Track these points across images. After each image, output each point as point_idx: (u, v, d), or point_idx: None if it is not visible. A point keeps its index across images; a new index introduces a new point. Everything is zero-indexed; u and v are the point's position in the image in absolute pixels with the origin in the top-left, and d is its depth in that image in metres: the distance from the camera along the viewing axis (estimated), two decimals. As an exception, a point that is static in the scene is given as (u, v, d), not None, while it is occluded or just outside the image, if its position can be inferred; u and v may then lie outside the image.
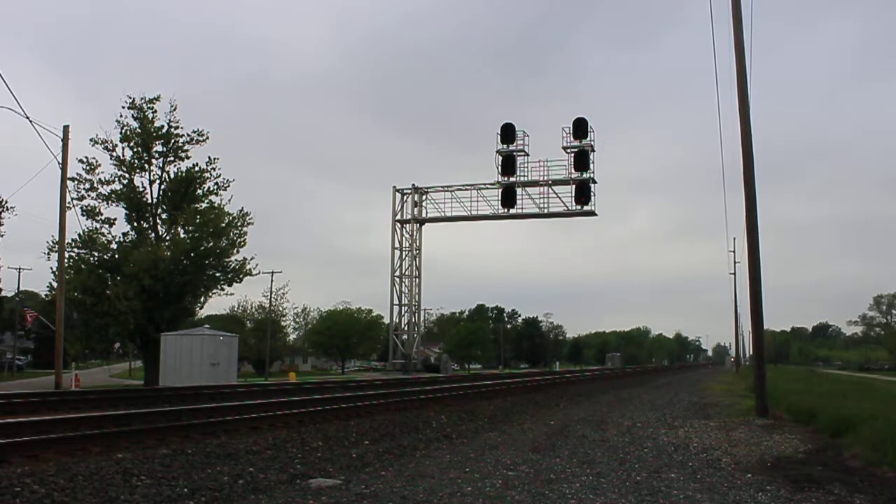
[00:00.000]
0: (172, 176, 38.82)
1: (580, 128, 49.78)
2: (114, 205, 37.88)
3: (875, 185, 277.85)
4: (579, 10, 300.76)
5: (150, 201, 38.67)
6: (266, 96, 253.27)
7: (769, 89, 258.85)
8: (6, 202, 38.03)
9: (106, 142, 37.54)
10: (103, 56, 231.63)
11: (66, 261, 32.39)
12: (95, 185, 37.32)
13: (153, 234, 38.80)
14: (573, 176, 50.42)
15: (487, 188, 53.55)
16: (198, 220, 37.92)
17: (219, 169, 39.32)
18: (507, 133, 51.39)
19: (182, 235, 38.46)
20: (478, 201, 54.22)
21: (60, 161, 29.28)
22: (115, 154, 37.77)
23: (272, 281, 71.67)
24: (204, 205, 38.98)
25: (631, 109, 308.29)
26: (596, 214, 51.66)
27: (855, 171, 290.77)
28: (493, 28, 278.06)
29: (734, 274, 76.14)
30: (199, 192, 39.09)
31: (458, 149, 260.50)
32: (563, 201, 51.45)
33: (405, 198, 57.22)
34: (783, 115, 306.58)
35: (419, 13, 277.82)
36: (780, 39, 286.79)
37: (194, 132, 39.01)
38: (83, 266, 36.64)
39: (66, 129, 29.62)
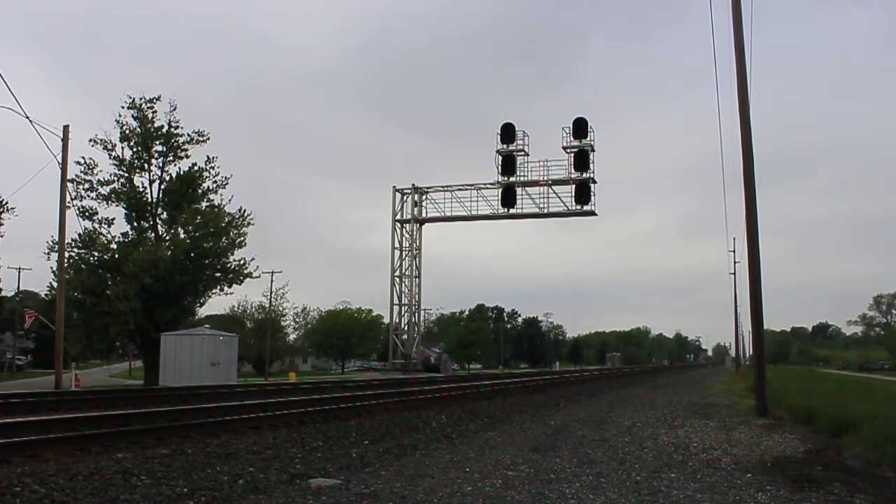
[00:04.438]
0: (172, 176, 38.86)
1: (580, 128, 49.71)
2: (114, 205, 37.94)
3: (880, 184, 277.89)
4: (582, 10, 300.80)
5: (149, 201, 38.68)
6: (267, 95, 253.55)
7: (774, 87, 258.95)
8: (6, 202, 38.06)
9: (105, 141, 37.60)
10: (104, 54, 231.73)
11: (66, 261, 32.38)
12: (94, 185, 37.37)
13: (153, 234, 38.80)
14: (573, 176, 50.35)
15: (487, 188, 53.50)
16: (198, 220, 37.91)
17: (217, 168, 39.39)
18: (507, 133, 51.32)
19: (182, 235, 38.46)
20: (478, 201, 54.17)
21: (60, 161, 29.29)
22: (114, 154, 37.85)
23: (272, 281, 71.73)
24: (204, 204, 38.99)
25: (632, 108, 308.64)
26: (596, 214, 51.63)
27: (858, 170, 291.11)
28: (495, 28, 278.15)
29: (734, 274, 76.28)
30: (199, 191, 39.11)
31: (459, 148, 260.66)
32: (563, 201, 51.40)
33: (405, 198, 57.18)
34: (787, 114, 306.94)
35: (421, 13, 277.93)
36: (790, 35, 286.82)
37: (194, 132, 39.07)
38: (83, 266, 36.63)
39: (66, 128, 29.63)
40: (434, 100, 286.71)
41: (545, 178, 51.70)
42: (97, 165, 37.44)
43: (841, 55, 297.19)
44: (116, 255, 37.05)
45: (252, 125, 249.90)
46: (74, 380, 32.54)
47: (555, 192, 51.59)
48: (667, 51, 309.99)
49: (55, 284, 33.08)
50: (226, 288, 40.10)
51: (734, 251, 74.15)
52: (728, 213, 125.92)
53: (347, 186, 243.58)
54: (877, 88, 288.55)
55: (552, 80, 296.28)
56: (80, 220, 36.74)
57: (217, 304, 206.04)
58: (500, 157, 51.68)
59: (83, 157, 37.23)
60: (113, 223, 37.95)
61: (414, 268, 57.17)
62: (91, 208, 37.23)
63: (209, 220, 38.05)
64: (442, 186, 56.30)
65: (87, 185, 37.20)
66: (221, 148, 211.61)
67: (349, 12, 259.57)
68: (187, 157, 39.00)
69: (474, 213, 54.61)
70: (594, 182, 50.51)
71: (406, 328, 57.88)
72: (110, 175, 37.72)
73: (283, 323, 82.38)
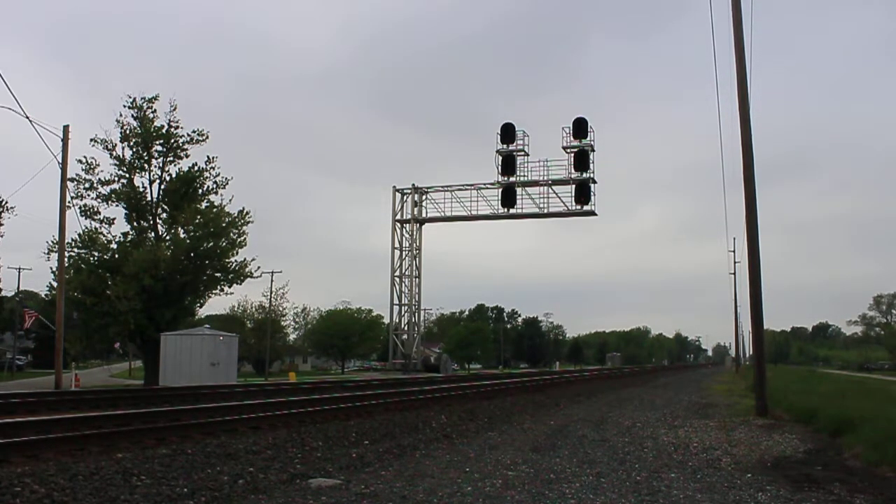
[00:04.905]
0: (172, 176, 38.87)
1: (580, 128, 49.76)
2: (114, 204, 37.95)
3: (880, 184, 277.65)
4: (583, 9, 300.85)
5: (150, 201, 38.70)
6: (267, 95, 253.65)
7: (774, 87, 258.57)
8: (6, 202, 38.00)
9: (106, 141, 37.62)
10: (104, 53, 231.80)
11: (66, 261, 32.38)
12: (95, 184, 37.39)
13: (153, 234, 38.81)
14: (573, 176, 50.41)
15: (487, 188, 53.56)
16: (198, 220, 37.92)
17: (218, 168, 39.41)
18: (507, 133, 51.38)
19: (182, 235, 38.47)
20: (478, 201, 54.25)
21: (60, 161, 29.29)
22: (114, 153, 37.87)
23: (272, 281, 71.68)
24: (204, 204, 39.00)
25: (632, 108, 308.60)
26: (596, 214, 51.69)
27: (858, 170, 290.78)
28: (495, 28, 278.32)
29: (734, 274, 76.29)
30: (200, 191, 39.12)
31: (459, 148, 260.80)
32: (562, 201, 51.47)
33: (405, 197, 57.22)
34: (787, 114, 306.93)
35: (421, 14, 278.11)
36: (791, 34, 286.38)
37: (194, 132, 39.10)
38: (83, 266, 36.65)
39: (66, 128, 29.62)
40: (434, 100, 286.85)
41: (545, 178, 51.75)
42: (98, 165, 37.52)
43: (842, 55, 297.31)
44: (116, 255, 37.06)
45: (252, 125, 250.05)
46: (74, 380, 32.51)
47: (555, 192, 51.67)
48: (667, 51, 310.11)
49: (55, 284, 33.08)
50: (226, 288, 40.13)
51: (734, 251, 74.25)
52: (728, 213, 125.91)
53: (347, 186, 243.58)
54: (877, 88, 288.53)
55: (552, 80, 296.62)
56: (83, 218, 36.83)
57: (217, 304, 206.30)
58: (500, 157, 51.71)
59: (84, 157, 37.32)
60: (114, 223, 38.03)
61: (414, 268, 57.20)
62: (93, 207, 37.31)
63: (209, 220, 38.05)
64: (442, 186, 56.36)
65: (87, 185, 37.27)
66: (221, 148, 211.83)
67: (349, 12, 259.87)
68: (187, 156, 39.08)
69: (474, 213, 54.66)
70: (594, 182, 50.58)
71: (406, 328, 57.90)
72: (110, 175, 37.80)
73: (283, 323, 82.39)
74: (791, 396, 19.32)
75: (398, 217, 57.09)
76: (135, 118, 37.97)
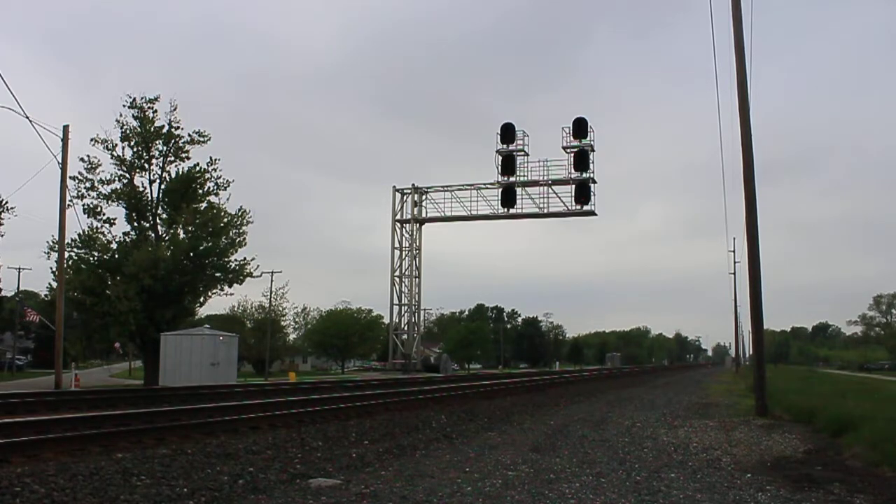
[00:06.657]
0: (173, 176, 38.83)
1: (580, 128, 49.78)
2: (114, 204, 37.91)
3: (880, 184, 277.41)
4: (584, 9, 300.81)
5: (150, 201, 38.67)
6: (268, 94, 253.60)
7: (776, 85, 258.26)
8: (6, 202, 37.94)
9: (106, 141, 37.56)
10: (105, 52, 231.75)
11: (66, 261, 32.37)
12: (96, 184, 37.36)
13: (153, 234, 38.78)
14: (573, 176, 50.42)
15: (487, 188, 53.58)
16: (197, 220, 37.88)
17: (220, 170, 39.37)
18: (507, 133, 51.40)
19: (182, 235, 38.44)
20: (477, 201, 54.29)
21: (60, 161, 29.29)
22: (115, 153, 37.82)
23: (272, 281, 71.56)
24: (204, 205, 38.96)
25: (633, 108, 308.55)
26: (596, 214, 51.72)
27: (859, 170, 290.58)
28: (495, 28, 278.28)
29: (734, 274, 76.31)
30: (200, 192, 39.07)
31: (459, 148, 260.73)
32: (562, 201, 51.50)
33: (405, 197, 57.24)
34: (787, 113, 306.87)
35: (421, 14, 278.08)
36: (793, 32, 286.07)
37: (195, 132, 39.02)
38: (83, 266, 36.59)
39: (65, 128, 29.62)
40: (434, 99, 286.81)
41: (545, 178, 51.78)
42: (100, 164, 37.48)
43: (843, 54, 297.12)
44: (116, 255, 37.02)
45: (253, 125, 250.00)
46: (74, 380, 32.51)
47: (555, 192, 51.70)
48: (667, 50, 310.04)
49: (55, 284, 33.05)
50: (226, 288, 40.07)
51: (734, 251, 74.25)
52: (728, 213, 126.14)
53: (347, 186, 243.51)
54: (878, 88, 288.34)
55: (552, 80, 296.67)
56: (85, 216, 36.75)
57: (217, 304, 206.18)
58: (500, 157, 51.74)
59: (87, 156, 37.28)
60: (114, 223, 37.99)
61: (414, 268, 57.21)
62: (95, 206, 37.27)
63: (208, 220, 38.02)
64: (442, 186, 56.40)
65: (88, 185, 37.22)
66: (222, 147, 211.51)
67: (350, 12, 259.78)
68: (188, 158, 39.04)
69: (474, 213, 54.70)
70: (594, 182, 50.60)
71: (406, 328, 57.92)
72: (111, 175, 37.77)
73: (283, 323, 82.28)
74: (791, 396, 19.33)
75: (398, 217, 57.11)
76: (135, 118, 37.93)
